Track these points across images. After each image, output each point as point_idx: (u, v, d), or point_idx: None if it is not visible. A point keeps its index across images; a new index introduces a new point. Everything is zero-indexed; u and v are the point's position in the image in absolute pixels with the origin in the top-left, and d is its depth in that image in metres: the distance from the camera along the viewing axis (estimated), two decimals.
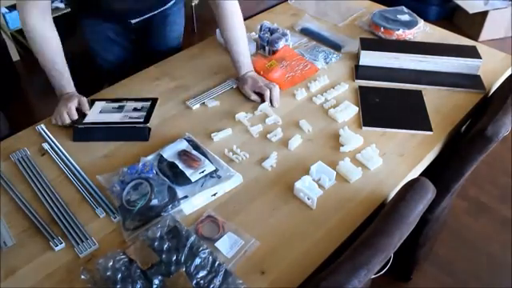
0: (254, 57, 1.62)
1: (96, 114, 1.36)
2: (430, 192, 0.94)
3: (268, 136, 1.30)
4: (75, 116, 1.32)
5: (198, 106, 1.41)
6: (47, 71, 1.35)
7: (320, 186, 1.15)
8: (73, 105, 1.32)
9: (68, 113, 1.31)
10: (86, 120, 1.34)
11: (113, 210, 1.09)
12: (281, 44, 1.61)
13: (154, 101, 1.41)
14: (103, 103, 1.40)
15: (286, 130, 1.32)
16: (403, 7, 1.83)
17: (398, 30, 1.70)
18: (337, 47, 1.66)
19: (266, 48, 1.63)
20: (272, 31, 1.64)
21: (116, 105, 1.40)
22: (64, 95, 1.36)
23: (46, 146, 1.27)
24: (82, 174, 1.19)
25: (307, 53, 1.64)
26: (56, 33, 1.34)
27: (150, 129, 1.33)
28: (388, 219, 0.89)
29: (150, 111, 1.37)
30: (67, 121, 1.31)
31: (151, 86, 1.50)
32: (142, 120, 1.34)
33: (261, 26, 1.66)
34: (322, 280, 0.80)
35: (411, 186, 0.94)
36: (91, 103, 1.40)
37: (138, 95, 1.44)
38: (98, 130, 1.32)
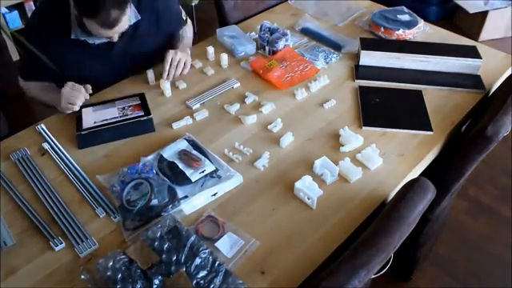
0: (254, 56, 1.62)
1: (91, 118, 1.34)
2: (430, 192, 0.94)
3: (269, 135, 1.30)
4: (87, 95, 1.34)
5: (197, 105, 1.41)
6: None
7: (321, 181, 1.15)
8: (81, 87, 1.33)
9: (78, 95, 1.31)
10: (85, 126, 1.32)
11: (113, 210, 1.09)
12: (281, 44, 1.61)
13: (140, 95, 1.42)
14: (92, 108, 1.38)
15: (287, 130, 1.32)
16: (403, 7, 1.83)
17: (398, 29, 1.69)
18: (337, 47, 1.66)
19: (266, 48, 1.63)
20: (272, 31, 1.64)
21: (107, 106, 1.39)
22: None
23: (46, 145, 1.27)
24: (82, 173, 1.19)
25: (307, 52, 1.64)
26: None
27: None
28: (388, 219, 0.89)
29: (145, 104, 1.38)
30: (80, 100, 1.32)
31: (151, 86, 1.50)
32: (142, 113, 1.34)
33: (261, 26, 1.66)
34: (323, 280, 0.80)
35: (411, 186, 0.94)
36: (79, 111, 1.37)
37: None
38: (102, 132, 1.31)
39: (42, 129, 1.32)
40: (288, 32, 1.65)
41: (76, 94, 1.31)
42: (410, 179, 1.21)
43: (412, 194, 0.92)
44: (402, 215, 0.89)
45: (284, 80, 1.49)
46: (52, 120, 1.38)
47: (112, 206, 1.10)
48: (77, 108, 1.32)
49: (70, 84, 1.32)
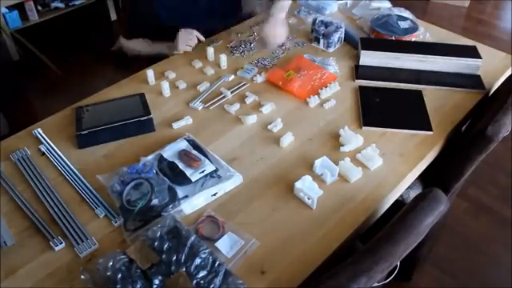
0: (271, 69, 1.55)
1: (91, 118, 1.34)
2: (443, 204, 0.91)
3: (269, 135, 1.30)
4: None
5: (198, 105, 1.41)
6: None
7: (321, 181, 1.15)
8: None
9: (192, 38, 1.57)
10: (85, 126, 1.31)
11: (113, 215, 1.08)
12: (336, 37, 1.63)
13: (140, 95, 1.42)
14: (92, 108, 1.38)
15: (287, 130, 1.32)
16: (403, 8, 1.81)
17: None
18: (353, 44, 1.67)
19: (321, 41, 1.64)
20: (326, 24, 1.66)
21: (106, 106, 1.39)
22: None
23: (43, 147, 1.27)
24: (81, 177, 1.18)
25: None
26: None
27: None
28: (395, 227, 0.88)
29: (145, 103, 1.38)
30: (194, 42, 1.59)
31: (151, 86, 1.50)
32: (142, 113, 1.34)
33: (314, 20, 1.68)
34: (321, 284, 0.79)
35: (424, 197, 0.91)
36: (77, 111, 1.37)
37: None
38: (102, 132, 1.30)
39: (39, 133, 1.31)
40: (343, 25, 1.66)
41: (192, 37, 1.57)
42: (409, 179, 1.22)
43: (423, 205, 0.89)
44: (409, 225, 0.87)
45: (307, 90, 1.46)
46: (51, 120, 1.38)
47: (112, 210, 1.09)
48: (190, 49, 1.59)
49: (183, 30, 1.56)
